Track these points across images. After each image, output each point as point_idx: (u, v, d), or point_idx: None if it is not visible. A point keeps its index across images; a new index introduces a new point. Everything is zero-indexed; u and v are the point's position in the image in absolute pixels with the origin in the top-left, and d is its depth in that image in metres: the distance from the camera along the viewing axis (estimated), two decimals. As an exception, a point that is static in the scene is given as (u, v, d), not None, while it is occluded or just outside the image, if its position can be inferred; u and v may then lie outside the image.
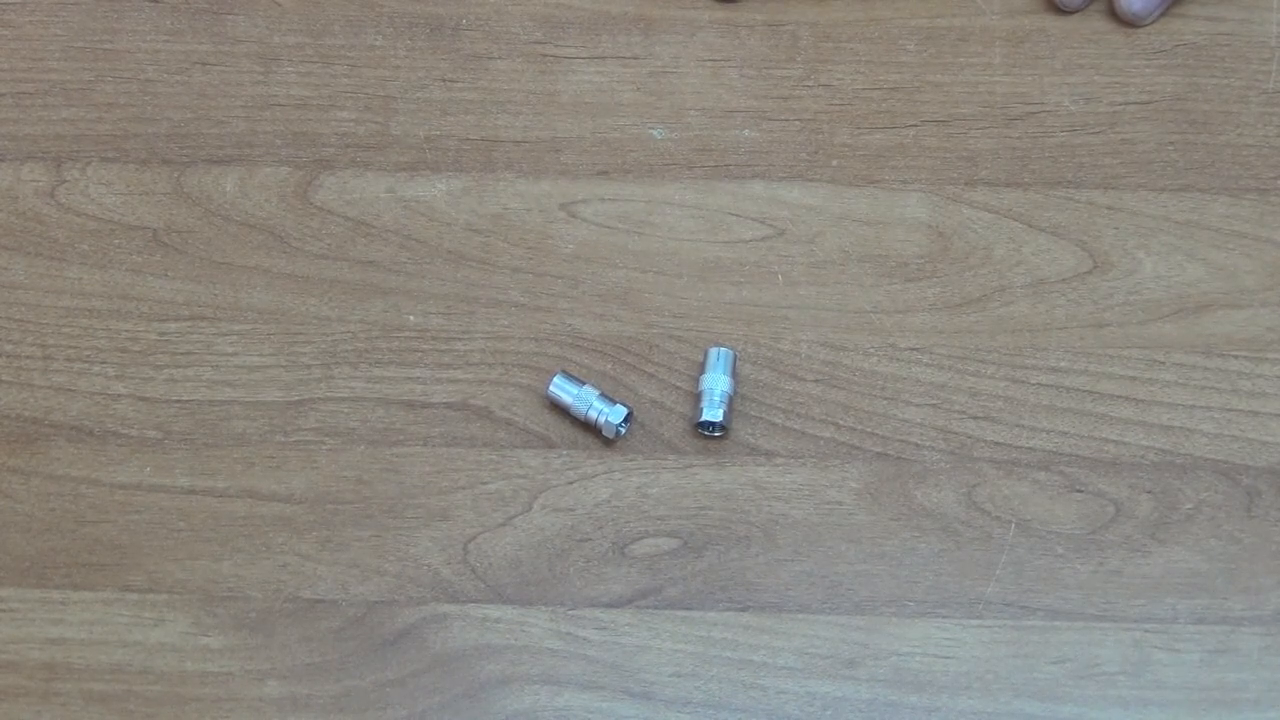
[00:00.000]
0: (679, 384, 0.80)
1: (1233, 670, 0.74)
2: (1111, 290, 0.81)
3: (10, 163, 0.85)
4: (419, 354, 0.81)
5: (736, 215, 0.83)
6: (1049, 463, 0.78)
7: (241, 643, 0.75)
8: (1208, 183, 0.83)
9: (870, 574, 0.76)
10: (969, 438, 0.78)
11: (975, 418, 0.79)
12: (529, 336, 0.81)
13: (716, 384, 0.78)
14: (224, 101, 0.87)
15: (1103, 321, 0.81)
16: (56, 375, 0.81)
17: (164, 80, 0.87)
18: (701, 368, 0.79)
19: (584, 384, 0.78)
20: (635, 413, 0.79)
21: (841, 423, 0.79)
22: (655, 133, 0.85)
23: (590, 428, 0.78)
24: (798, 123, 0.85)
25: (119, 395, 0.80)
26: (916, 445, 0.78)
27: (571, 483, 0.78)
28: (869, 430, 0.79)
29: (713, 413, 0.78)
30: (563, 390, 0.78)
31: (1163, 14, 0.87)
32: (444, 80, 0.87)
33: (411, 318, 0.81)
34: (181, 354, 0.81)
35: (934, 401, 0.79)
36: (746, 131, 0.85)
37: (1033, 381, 0.79)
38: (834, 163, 0.84)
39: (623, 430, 0.78)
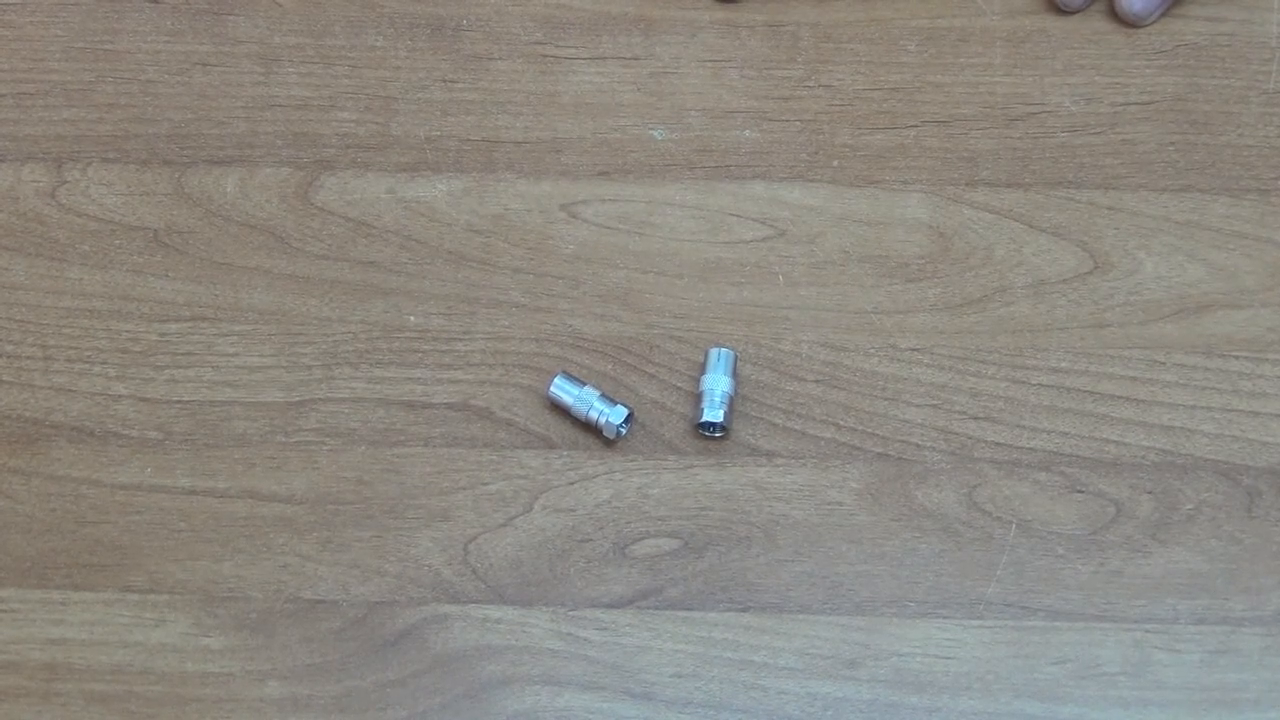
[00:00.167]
0: (679, 384, 0.80)
1: (1233, 671, 0.74)
2: (1112, 291, 0.81)
3: (11, 163, 0.85)
4: (420, 354, 0.81)
5: (737, 216, 0.83)
6: (1050, 463, 0.78)
7: (242, 643, 0.75)
8: (1208, 183, 0.83)
9: (871, 574, 0.76)
10: (970, 438, 0.78)
11: (976, 418, 0.79)
12: (530, 337, 0.81)
13: (717, 384, 0.78)
14: (225, 102, 0.87)
15: (1103, 322, 0.81)
16: (57, 376, 0.81)
17: (165, 81, 0.87)
18: (702, 368, 0.79)
19: (585, 384, 0.78)
20: (636, 413, 0.79)
21: (842, 423, 0.79)
22: (656, 133, 0.85)
23: (591, 428, 0.78)
24: (798, 123, 0.85)
25: (120, 396, 0.80)
26: (917, 446, 0.78)
27: (572, 483, 0.78)
28: (870, 431, 0.79)
29: (713, 413, 0.78)
30: (563, 391, 0.78)
31: (1163, 14, 0.87)
32: (445, 81, 0.87)
33: (412, 318, 0.81)
34: (182, 355, 0.81)
35: (935, 402, 0.79)
36: (747, 132, 0.85)
37: (1033, 382, 0.79)
38: (835, 163, 0.84)
39: (623, 431, 0.78)
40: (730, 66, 0.87)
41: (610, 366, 0.80)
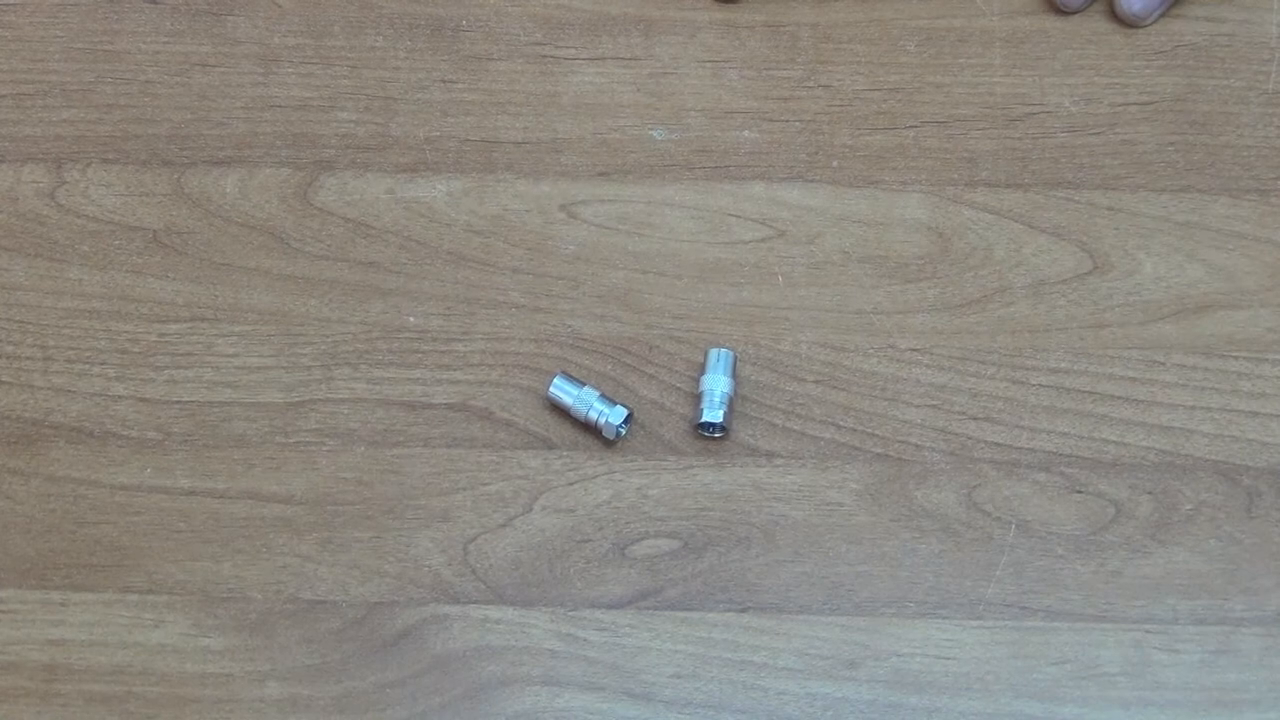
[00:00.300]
0: (679, 385, 0.80)
1: (1233, 671, 0.74)
2: (1111, 291, 0.81)
3: (10, 164, 0.85)
4: (419, 355, 0.81)
5: (737, 216, 0.83)
6: (1049, 463, 0.78)
7: (242, 644, 0.75)
8: (1208, 183, 0.83)
9: (870, 575, 0.76)
10: (969, 438, 0.78)
11: (975, 418, 0.79)
12: (529, 337, 0.81)
13: (717, 385, 0.78)
14: (224, 103, 0.87)
15: (1103, 322, 0.81)
16: (56, 376, 0.81)
17: (164, 81, 0.87)
18: (702, 369, 0.79)
19: (584, 385, 0.78)
20: (635, 414, 0.79)
21: (842, 423, 0.79)
22: (655, 134, 0.85)
23: (590, 429, 0.78)
24: (798, 124, 0.85)
25: (119, 396, 0.80)
26: (917, 446, 0.78)
27: (572, 484, 0.78)
28: (869, 431, 0.79)
29: (713, 414, 0.78)
30: (563, 391, 0.78)
31: (1163, 15, 0.87)
32: (444, 81, 0.87)
33: (412, 319, 0.81)
34: (182, 355, 0.81)
35: (934, 402, 0.79)
36: (746, 132, 0.85)
37: (1033, 382, 0.79)
38: (834, 163, 0.84)
39: (623, 431, 0.78)
40: (730, 67, 0.87)
41: (610, 367, 0.80)
